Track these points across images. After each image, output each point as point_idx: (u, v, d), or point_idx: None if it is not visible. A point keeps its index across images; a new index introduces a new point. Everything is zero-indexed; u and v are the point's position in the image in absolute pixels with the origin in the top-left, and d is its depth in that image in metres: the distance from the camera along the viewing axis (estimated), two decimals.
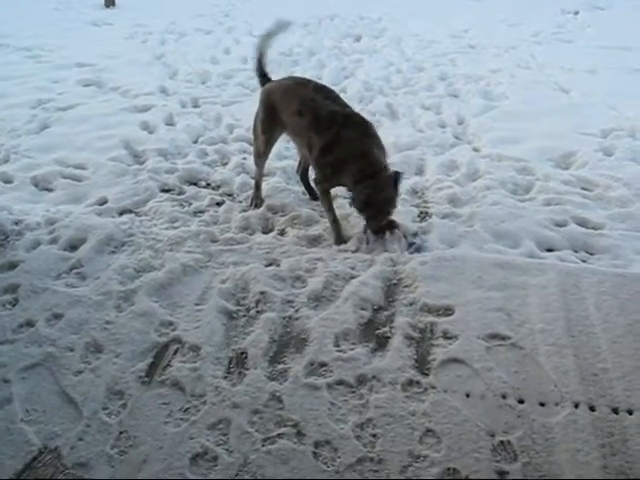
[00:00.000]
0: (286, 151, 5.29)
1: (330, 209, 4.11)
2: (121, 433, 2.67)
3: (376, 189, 3.79)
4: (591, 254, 4.00)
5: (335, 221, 4.11)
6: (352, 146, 3.86)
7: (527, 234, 4.07)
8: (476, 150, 5.34)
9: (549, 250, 4.00)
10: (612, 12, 11.01)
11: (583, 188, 4.75)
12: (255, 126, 4.45)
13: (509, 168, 4.96)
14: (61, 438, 2.65)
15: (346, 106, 4.11)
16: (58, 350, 3.06)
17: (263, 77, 4.50)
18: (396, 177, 3.89)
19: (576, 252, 4.01)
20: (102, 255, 3.80)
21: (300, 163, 4.67)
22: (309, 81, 4.33)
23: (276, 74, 7.29)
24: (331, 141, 3.89)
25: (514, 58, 8.14)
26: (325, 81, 7.08)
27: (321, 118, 3.96)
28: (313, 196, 4.56)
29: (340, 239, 4.05)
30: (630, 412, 2.73)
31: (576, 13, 10.92)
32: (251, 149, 5.30)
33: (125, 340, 3.13)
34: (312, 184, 4.39)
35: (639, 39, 8.87)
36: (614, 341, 3.09)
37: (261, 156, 4.49)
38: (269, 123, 4.31)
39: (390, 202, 3.89)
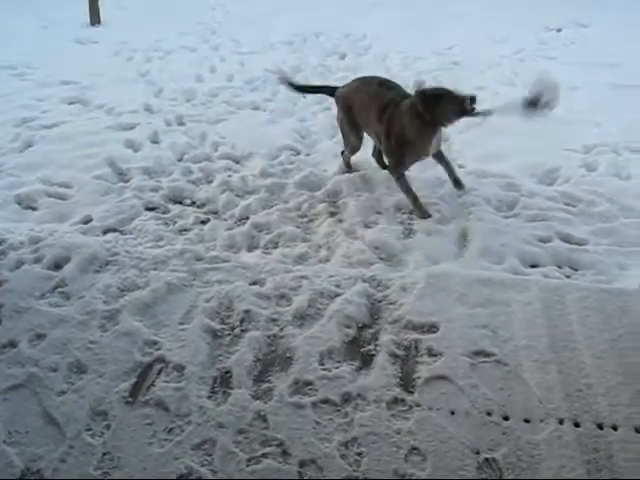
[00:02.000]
0: (271, 168, 5.31)
1: (409, 189, 4.58)
2: (104, 454, 2.65)
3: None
4: (575, 270, 4.02)
5: (416, 198, 4.56)
6: (404, 111, 4.37)
7: (511, 250, 4.09)
8: (460, 167, 5.34)
9: (533, 266, 4.02)
10: (595, 29, 11.09)
11: (567, 204, 4.76)
12: (341, 127, 5.06)
13: (493, 184, 4.98)
14: (44, 460, 2.63)
15: (400, 91, 4.64)
16: (41, 370, 3.04)
17: (330, 88, 5.14)
18: None
19: (560, 268, 4.02)
20: (86, 274, 3.78)
21: (375, 147, 5.16)
22: (372, 78, 4.89)
23: (260, 91, 7.40)
24: (390, 122, 4.44)
25: (498, 75, 8.18)
26: (310, 98, 7.15)
27: (382, 107, 4.49)
28: (384, 167, 5.12)
29: (425, 212, 4.53)
30: (615, 428, 2.73)
31: (559, 30, 11.00)
32: (236, 167, 5.39)
33: (109, 360, 3.11)
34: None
35: (621, 56, 8.94)
36: (598, 357, 3.10)
37: (355, 150, 5.09)
38: (353, 121, 4.87)
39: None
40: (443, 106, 4.25)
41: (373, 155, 5.30)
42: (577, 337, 3.22)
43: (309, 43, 9.97)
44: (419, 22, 11.31)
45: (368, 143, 5.17)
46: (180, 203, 4.84)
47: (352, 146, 5.06)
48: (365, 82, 4.85)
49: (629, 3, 12.40)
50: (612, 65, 8.55)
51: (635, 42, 9.81)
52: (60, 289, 3.64)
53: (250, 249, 4.23)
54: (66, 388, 2.96)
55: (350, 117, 4.88)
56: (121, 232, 4.40)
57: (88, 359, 3.11)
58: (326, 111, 6.78)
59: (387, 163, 4.69)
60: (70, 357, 3.12)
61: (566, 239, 4.30)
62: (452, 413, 2.80)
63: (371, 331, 3.32)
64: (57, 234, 4.19)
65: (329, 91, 5.14)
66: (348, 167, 5.24)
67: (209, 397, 2.91)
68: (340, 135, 5.64)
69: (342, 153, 5.26)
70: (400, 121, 4.39)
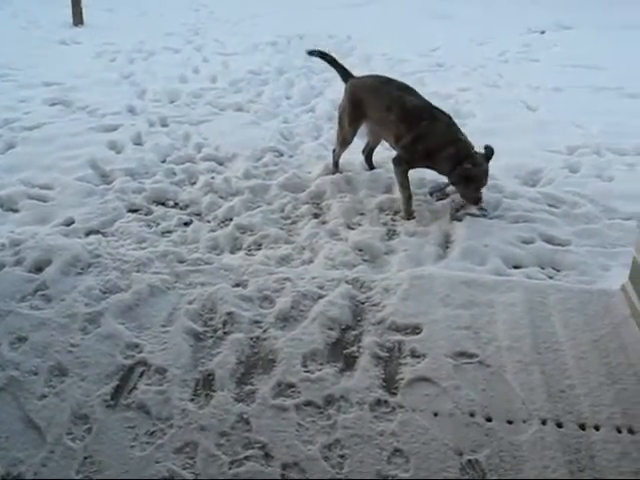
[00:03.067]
0: (254, 170, 5.29)
1: (407, 187, 4.65)
2: (86, 458, 2.62)
3: (476, 165, 4.44)
4: (558, 270, 4.04)
5: (409, 197, 4.64)
6: (444, 134, 4.55)
7: (494, 251, 4.10)
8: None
9: (516, 267, 4.03)
10: (578, 31, 11.17)
11: (550, 205, 4.79)
12: (341, 118, 5.11)
13: None
14: (24, 464, 2.59)
15: (427, 101, 4.80)
16: (22, 374, 3.00)
17: (345, 73, 5.23)
18: (488, 152, 4.58)
19: (543, 269, 4.04)
20: (68, 277, 3.74)
21: (367, 145, 5.34)
22: (391, 80, 4.97)
23: (244, 92, 7.38)
24: (423, 131, 4.55)
25: (482, 76, 8.23)
26: (294, 100, 7.15)
27: (410, 112, 4.63)
28: (371, 167, 5.33)
29: (410, 213, 4.60)
30: (597, 428, 2.74)
31: (542, 32, 11.07)
32: (219, 168, 5.36)
33: (90, 363, 3.08)
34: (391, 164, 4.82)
35: (604, 58, 9.02)
36: (580, 357, 3.12)
37: (346, 144, 5.16)
38: (356, 116, 4.98)
39: (486, 174, 4.53)
40: (467, 183, 4.49)
41: (363, 152, 5.38)
42: (560, 338, 3.24)
43: (293, 44, 9.97)
44: (403, 24, 11.34)
45: (354, 145, 5.18)
46: (163, 205, 4.82)
47: (345, 138, 5.12)
48: (384, 82, 4.95)
49: (610, 5, 12.50)
50: (594, 67, 8.63)
51: (616, 44, 9.90)
52: (41, 292, 3.60)
53: (233, 251, 4.21)
54: (47, 392, 2.92)
55: (356, 111, 4.96)
56: (103, 234, 4.36)
57: (69, 362, 3.08)
58: (310, 113, 6.79)
59: (396, 154, 4.74)
60: (51, 360, 3.09)
61: (549, 240, 4.32)
62: (435, 414, 2.80)
63: (354, 333, 3.31)
64: (38, 236, 4.15)
65: (343, 74, 5.23)
66: (336, 167, 5.27)
67: (191, 400, 2.89)
68: (323, 137, 5.66)
69: (333, 151, 5.29)
70: (435, 143, 4.52)
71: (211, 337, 3.29)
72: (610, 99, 7.43)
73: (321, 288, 3.63)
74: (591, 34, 10.80)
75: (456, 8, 12.56)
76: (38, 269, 3.81)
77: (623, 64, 8.77)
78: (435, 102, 4.88)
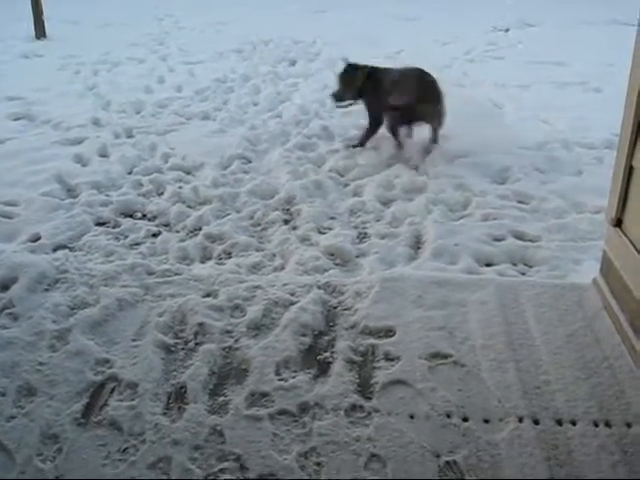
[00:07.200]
0: (223, 178, 5.26)
1: None
2: (57, 479, 2.56)
3: None
4: (530, 267, 4.04)
5: None
6: None
7: (466, 250, 4.09)
8: (413, 169, 5.36)
9: (488, 265, 4.02)
10: (541, 29, 11.28)
11: (519, 202, 4.81)
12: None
13: (446, 185, 5.00)
14: None
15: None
16: None
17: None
18: None
19: (515, 265, 4.03)
20: (35, 294, 3.66)
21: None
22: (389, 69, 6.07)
23: (210, 101, 7.34)
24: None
25: (448, 76, 8.21)
26: (261, 106, 7.12)
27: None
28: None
29: None
30: (573, 423, 2.73)
31: (507, 30, 11.17)
32: (187, 178, 5.33)
33: (60, 381, 3.01)
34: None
35: (567, 54, 9.11)
36: (555, 352, 3.11)
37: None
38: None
39: None
40: None
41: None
42: (533, 334, 3.23)
43: (259, 50, 9.97)
44: (368, 28, 11.38)
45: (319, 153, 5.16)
46: (131, 217, 4.75)
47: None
48: (403, 74, 5.93)
49: (570, 3, 12.66)
50: (558, 63, 8.73)
51: (578, 40, 10.01)
52: (8, 310, 3.52)
53: (203, 260, 4.16)
54: (15, 412, 2.85)
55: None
56: (71, 249, 4.28)
57: (38, 381, 3.01)
58: (277, 118, 6.76)
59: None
60: (19, 380, 3.02)
61: (520, 236, 4.32)
62: (411, 417, 2.77)
63: (327, 338, 3.28)
64: (4, 254, 4.06)
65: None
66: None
67: (164, 414, 2.83)
68: (290, 142, 5.69)
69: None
70: None
71: (182, 349, 3.23)
72: (576, 94, 7.50)
73: (292, 294, 3.59)
74: (553, 31, 10.92)
75: (420, 10, 12.64)
76: (4, 287, 3.72)
77: (585, 59, 8.88)
78: None
